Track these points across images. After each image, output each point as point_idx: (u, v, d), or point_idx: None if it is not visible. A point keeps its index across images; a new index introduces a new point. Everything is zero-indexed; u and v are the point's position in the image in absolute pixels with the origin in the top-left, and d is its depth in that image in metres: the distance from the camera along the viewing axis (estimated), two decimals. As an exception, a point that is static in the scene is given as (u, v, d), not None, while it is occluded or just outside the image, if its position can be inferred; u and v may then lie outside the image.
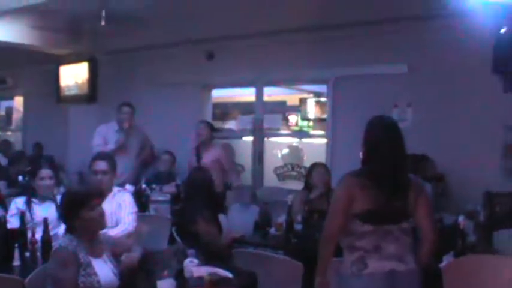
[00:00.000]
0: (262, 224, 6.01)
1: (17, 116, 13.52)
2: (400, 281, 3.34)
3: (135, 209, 5.06)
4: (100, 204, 3.58)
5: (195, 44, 8.88)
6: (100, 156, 5.32)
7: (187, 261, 3.51)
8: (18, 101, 13.34)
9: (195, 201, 4.97)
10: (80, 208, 3.43)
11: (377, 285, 3.37)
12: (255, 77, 8.58)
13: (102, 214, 3.55)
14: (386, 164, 3.40)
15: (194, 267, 3.33)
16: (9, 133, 13.79)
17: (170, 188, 6.93)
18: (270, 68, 8.30)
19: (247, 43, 8.35)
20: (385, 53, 7.20)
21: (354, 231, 3.37)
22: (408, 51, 7.03)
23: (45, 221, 4.31)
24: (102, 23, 7.84)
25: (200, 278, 3.01)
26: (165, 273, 3.28)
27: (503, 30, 5.35)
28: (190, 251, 3.67)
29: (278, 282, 3.90)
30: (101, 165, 5.05)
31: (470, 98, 6.62)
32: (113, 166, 5.13)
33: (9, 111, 14.07)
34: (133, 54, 9.66)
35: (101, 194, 3.66)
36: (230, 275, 3.07)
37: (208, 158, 7.23)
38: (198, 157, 7.25)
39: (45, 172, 5.12)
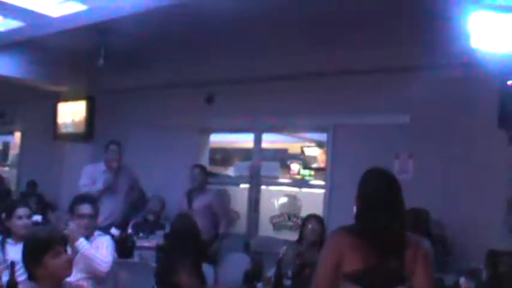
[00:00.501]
0: (252, 276, 5.76)
1: (14, 151, 13.39)
2: None
3: (111, 250, 4.79)
4: (65, 250, 3.30)
5: (195, 86, 8.74)
6: (84, 199, 5.09)
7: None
8: (17, 137, 13.23)
9: (178, 250, 4.69)
10: (43, 254, 3.15)
11: None
12: (253, 122, 8.39)
13: (67, 261, 3.26)
14: (379, 220, 3.10)
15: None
16: (6, 169, 13.66)
17: (157, 238, 6.65)
18: (269, 114, 8.11)
19: (247, 88, 8.18)
20: (387, 103, 6.97)
21: None
22: (410, 101, 6.79)
23: (12, 265, 3.98)
24: (101, 61, 7.75)
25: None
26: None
27: (510, 82, 5.16)
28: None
29: None
30: (87, 208, 4.83)
31: (473, 150, 6.38)
32: (96, 209, 4.95)
33: (6, 146, 13.97)
34: (131, 94, 9.54)
35: (66, 240, 3.38)
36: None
37: (199, 203, 7.00)
38: (190, 202, 7.01)
39: (23, 211, 4.88)
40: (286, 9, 6.17)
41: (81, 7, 6.47)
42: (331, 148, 7.74)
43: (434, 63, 6.42)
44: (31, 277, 3.23)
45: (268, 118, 8.18)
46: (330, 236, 3.34)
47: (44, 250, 3.16)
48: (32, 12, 6.75)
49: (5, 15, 7.24)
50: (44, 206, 8.69)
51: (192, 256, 4.67)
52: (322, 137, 9.12)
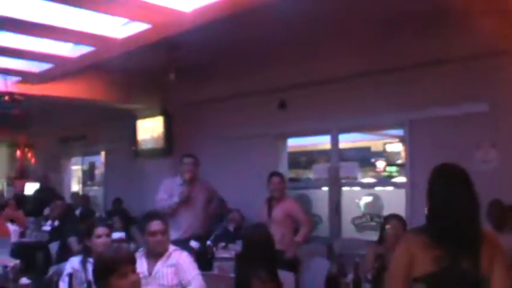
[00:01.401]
0: (335, 280, 5.61)
1: (99, 171, 13.82)
2: None
3: (197, 269, 4.79)
4: (133, 270, 3.28)
5: (266, 93, 8.71)
6: (154, 215, 5.08)
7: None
8: (103, 156, 13.65)
9: (251, 261, 4.62)
10: (109, 275, 3.15)
11: None
12: (329, 124, 8.27)
13: (135, 282, 3.24)
14: (452, 219, 2.96)
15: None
16: (94, 187, 14.12)
17: (236, 246, 6.60)
18: (343, 115, 7.99)
19: (319, 90, 8.09)
20: (464, 92, 6.70)
21: None
22: (488, 88, 6.50)
23: (89, 284, 4.09)
24: (172, 76, 7.85)
25: None
26: None
27: None
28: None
29: None
30: (159, 225, 4.79)
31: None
32: (168, 225, 4.91)
33: (91, 166, 14.42)
34: (205, 106, 9.64)
35: (134, 260, 3.36)
36: None
37: (279, 212, 6.87)
38: (269, 211, 6.93)
39: (102, 230, 4.98)
40: (351, 8, 6.08)
41: (145, 26, 6.55)
42: (410, 144, 7.49)
43: (510, 48, 6.10)
44: (101, 297, 3.23)
45: (342, 118, 8.06)
46: (402, 238, 3.22)
47: (110, 271, 3.15)
48: (99, 36, 6.91)
49: (75, 42, 7.44)
50: (128, 222, 8.84)
51: (266, 266, 4.59)
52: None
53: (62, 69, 8.32)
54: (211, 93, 9.18)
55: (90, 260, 4.80)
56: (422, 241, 2.96)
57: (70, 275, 4.39)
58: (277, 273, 4.71)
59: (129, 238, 7.41)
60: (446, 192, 3.04)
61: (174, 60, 7.72)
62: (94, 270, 3.29)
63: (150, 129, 10.19)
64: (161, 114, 9.93)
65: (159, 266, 4.69)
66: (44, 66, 8.37)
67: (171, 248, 4.86)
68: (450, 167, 3.20)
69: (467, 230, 2.95)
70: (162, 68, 7.85)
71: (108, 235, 5.00)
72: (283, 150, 9.21)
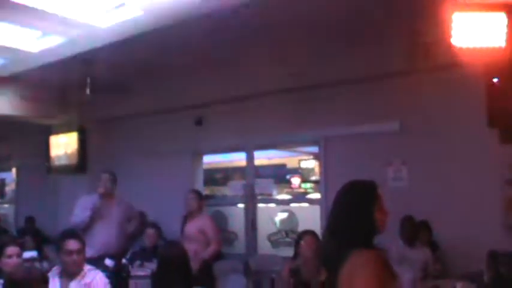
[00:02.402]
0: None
1: (10, 187, 13.38)
2: None
3: None
4: (46, 288, 3.22)
5: (183, 110, 8.72)
6: (69, 234, 4.95)
7: None
8: (14, 173, 13.24)
9: (168, 278, 4.60)
10: (22, 296, 3.08)
11: None
12: (244, 141, 8.36)
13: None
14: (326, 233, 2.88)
15: None
16: (5, 205, 13.63)
17: (152, 265, 6.52)
18: (259, 132, 8.10)
19: (236, 107, 8.21)
20: (376, 111, 6.95)
21: None
22: (399, 107, 6.77)
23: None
24: (88, 91, 7.74)
25: None
26: None
27: (495, 80, 5.10)
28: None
29: None
30: (75, 244, 4.65)
31: (466, 152, 6.30)
32: (83, 243, 4.77)
33: (2, 183, 13.95)
34: (121, 122, 9.57)
35: (46, 280, 3.29)
36: None
37: (191, 228, 6.89)
38: (182, 227, 6.94)
39: (12, 250, 4.76)
40: (267, 26, 6.19)
41: (60, 39, 6.45)
42: (324, 161, 7.66)
43: (419, 68, 6.36)
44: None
45: (258, 135, 8.16)
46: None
47: (23, 292, 3.09)
48: (14, 49, 6.75)
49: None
50: (41, 241, 8.59)
51: (182, 283, 4.58)
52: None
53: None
54: (128, 109, 9.11)
55: (1, 281, 4.66)
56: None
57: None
58: None
59: (41, 257, 7.19)
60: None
61: (89, 75, 7.63)
62: (6, 291, 3.20)
63: (64, 145, 9.99)
64: (76, 130, 9.75)
65: (73, 286, 4.57)
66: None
67: (86, 267, 4.76)
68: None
69: (331, 245, 2.80)
70: (77, 83, 7.74)
71: (19, 255, 4.82)
72: (199, 167, 9.22)
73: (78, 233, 5.12)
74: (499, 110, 5.18)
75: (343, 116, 7.24)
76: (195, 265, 6.28)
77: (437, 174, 6.49)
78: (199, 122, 8.64)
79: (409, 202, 6.34)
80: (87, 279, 4.61)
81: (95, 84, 7.80)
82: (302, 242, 5.49)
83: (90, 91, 7.84)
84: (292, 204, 8.72)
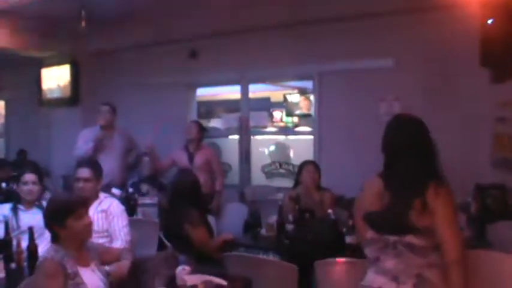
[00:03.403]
0: (252, 225, 5.95)
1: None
2: None
3: (127, 220, 4.88)
4: (87, 212, 3.47)
5: (178, 42, 8.73)
6: (83, 163, 5.18)
7: (179, 269, 3.41)
8: (1, 106, 13.19)
9: (182, 204, 4.86)
10: (66, 217, 3.32)
11: None
12: (239, 74, 8.50)
13: (89, 223, 3.44)
14: (395, 165, 3.14)
15: (186, 276, 3.23)
16: (-8, 138, 13.65)
17: (158, 194, 6.75)
18: (254, 65, 8.22)
19: (231, 40, 8.24)
20: (371, 48, 7.11)
21: (365, 237, 3.22)
22: (394, 45, 6.96)
23: (31, 230, 4.17)
24: (83, 24, 7.76)
25: (194, 287, 2.91)
26: (157, 281, 3.19)
27: (490, 21, 5.29)
28: (181, 257, 3.58)
29: (273, 286, 3.81)
30: (83, 172, 4.88)
31: (458, 90, 6.53)
32: (97, 173, 4.96)
33: (-10, 116, 13.92)
34: (115, 55, 9.53)
35: (87, 203, 3.54)
36: (224, 282, 2.97)
37: (200, 158, 7.16)
38: (190, 158, 7.16)
39: (29, 177, 4.97)
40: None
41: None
42: (317, 95, 7.86)
43: (416, 6, 6.47)
44: (55, 239, 3.39)
45: (253, 69, 8.30)
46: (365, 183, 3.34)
47: (67, 213, 3.33)
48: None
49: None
50: (40, 173, 8.73)
51: (197, 209, 4.85)
52: (305, 84, 9.24)
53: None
54: (122, 41, 9.10)
55: (21, 207, 4.88)
56: (376, 183, 3.16)
57: (6, 223, 4.43)
58: (207, 216, 4.99)
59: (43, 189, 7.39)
60: (388, 140, 3.21)
61: (84, 7, 7.64)
62: (50, 214, 3.43)
63: (56, 77, 10.01)
64: (68, 62, 9.78)
65: (90, 211, 4.81)
66: None
67: (102, 195, 4.99)
68: (397, 117, 3.37)
69: (405, 174, 3.08)
70: (71, 15, 7.72)
71: (35, 182, 5.01)
72: (193, 100, 9.37)
73: (93, 162, 5.30)
74: (492, 50, 5.32)
75: (338, 52, 7.38)
76: (208, 193, 6.61)
77: (428, 110, 6.71)
78: (194, 55, 8.69)
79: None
80: (103, 206, 4.84)
81: (90, 16, 7.80)
82: (303, 171, 5.80)
83: (86, 24, 7.87)
84: (281, 137, 8.99)
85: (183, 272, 3.37)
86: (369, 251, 3.14)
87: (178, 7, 8.02)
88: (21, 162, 10.15)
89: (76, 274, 3.28)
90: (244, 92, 8.64)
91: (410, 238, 2.96)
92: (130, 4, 8.05)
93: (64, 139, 9.28)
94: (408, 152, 3.09)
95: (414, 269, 2.95)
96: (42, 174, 5.42)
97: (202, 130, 7.46)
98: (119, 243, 4.62)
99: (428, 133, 3.16)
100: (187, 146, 7.31)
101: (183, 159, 7.20)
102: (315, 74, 7.79)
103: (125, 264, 3.77)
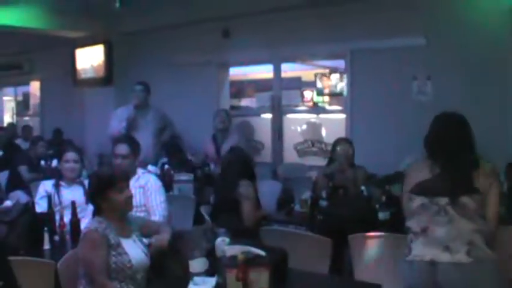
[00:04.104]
0: (285, 201, 6.03)
1: (34, 101, 13.59)
2: (443, 275, 3.06)
3: (164, 196, 4.97)
4: (128, 186, 3.58)
5: (210, 22, 8.77)
6: (121, 139, 5.30)
7: (218, 240, 3.51)
8: (34, 86, 13.42)
9: (235, 169, 5.15)
10: (108, 190, 3.45)
11: (413, 276, 3.18)
12: (272, 53, 8.53)
13: (130, 196, 3.56)
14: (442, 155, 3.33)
15: (226, 246, 3.32)
16: (27, 118, 13.90)
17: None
18: (286, 44, 8.24)
19: (263, 19, 8.26)
20: (402, 26, 7.07)
21: (407, 209, 3.30)
22: (426, 23, 6.93)
23: (73, 204, 4.35)
24: (117, 4, 7.85)
25: (233, 257, 2.99)
26: (197, 252, 3.28)
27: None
28: (221, 230, 3.67)
29: (307, 259, 3.89)
30: (121, 148, 4.98)
31: (490, 68, 6.50)
32: (134, 149, 5.06)
33: (26, 96, 14.16)
34: (148, 35, 9.63)
35: (128, 177, 3.66)
36: (263, 253, 3.05)
37: (227, 147, 7.22)
38: (218, 149, 7.25)
39: (70, 155, 5.14)
40: None
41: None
42: (349, 74, 7.88)
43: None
44: (98, 211, 3.53)
45: (285, 48, 8.31)
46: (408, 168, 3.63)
47: (108, 185, 3.46)
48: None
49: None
50: (79, 151, 8.90)
51: (247, 177, 5.10)
52: (336, 63, 9.23)
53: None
54: (155, 21, 9.18)
55: (63, 183, 5.03)
56: (423, 164, 3.34)
57: (49, 197, 4.58)
58: (257, 189, 5.17)
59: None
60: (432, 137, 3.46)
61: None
62: (93, 187, 3.56)
63: (89, 58, 10.14)
64: (102, 42, 9.88)
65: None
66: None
67: (140, 170, 5.10)
68: (445, 114, 3.61)
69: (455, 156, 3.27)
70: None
71: (76, 161, 5.15)
72: (225, 79, 9.43)
73: (131, 138, 5.39)
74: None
75: (370, 30, 7.38)
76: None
77: (461, 88, 6.71)
78: (226, 34, 8.73)
79: (432, 116, 6.57)
80: (141, 182, 4.93)
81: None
82: (337, 148, 5.84)
83: (120, 4, 7.97)
84: (313, 116, 9.00)
85: (222, 243, 3.47)
86: (415, 223, 3.21)
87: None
88: (57, 141, 10.36)
89: (119, 244, 3.41)
90: (277, 70, 8.68)
91: (465, 199, 3.10)
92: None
93: (97, 118, 9.44)
94: (456, 145, 3.30)
95: (466, 235, 3.05)
96: (81, 152, 5.59)
97: (230, 117, 7.52)
98: (156, 219, 4.71)
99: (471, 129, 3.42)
100: (216, 136, 7.42)
101: (210, 151, 7.35)
102: (347, 52, 7.79)
103: (164, 237, 3.87)
